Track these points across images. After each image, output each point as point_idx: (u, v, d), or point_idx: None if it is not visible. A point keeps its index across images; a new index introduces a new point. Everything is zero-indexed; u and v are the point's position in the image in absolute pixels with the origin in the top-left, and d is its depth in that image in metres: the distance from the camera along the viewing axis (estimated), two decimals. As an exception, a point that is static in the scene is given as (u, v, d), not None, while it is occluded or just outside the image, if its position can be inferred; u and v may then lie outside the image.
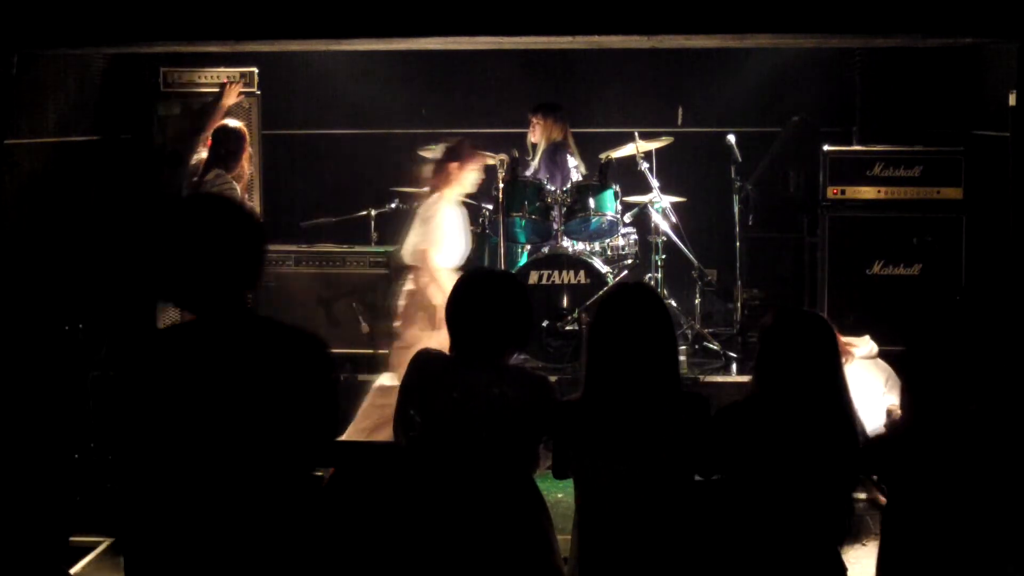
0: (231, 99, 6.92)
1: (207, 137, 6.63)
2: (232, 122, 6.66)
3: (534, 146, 7.61)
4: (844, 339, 5.14)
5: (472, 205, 7.64)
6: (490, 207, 7.17)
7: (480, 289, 3.27)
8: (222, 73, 7.24)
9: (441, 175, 5.99)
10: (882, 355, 5.46)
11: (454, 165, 5.94)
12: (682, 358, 6.91)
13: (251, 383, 2.67)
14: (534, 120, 7.55)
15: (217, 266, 2.70)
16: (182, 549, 2.68)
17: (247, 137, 6.59)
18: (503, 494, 3.07)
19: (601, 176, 7.07)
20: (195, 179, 6.52)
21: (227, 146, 6.48)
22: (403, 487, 3.02)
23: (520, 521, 3.09)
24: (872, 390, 5.14)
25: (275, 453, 2.69)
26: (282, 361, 2.70)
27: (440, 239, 5.82)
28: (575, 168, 7.46)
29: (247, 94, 7.26)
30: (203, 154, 6.64)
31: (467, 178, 5.99)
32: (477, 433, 3.08)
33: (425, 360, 3.31)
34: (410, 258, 5.93)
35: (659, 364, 3.15)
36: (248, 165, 6.62)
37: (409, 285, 5.93)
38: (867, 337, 5.47)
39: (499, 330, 3.21)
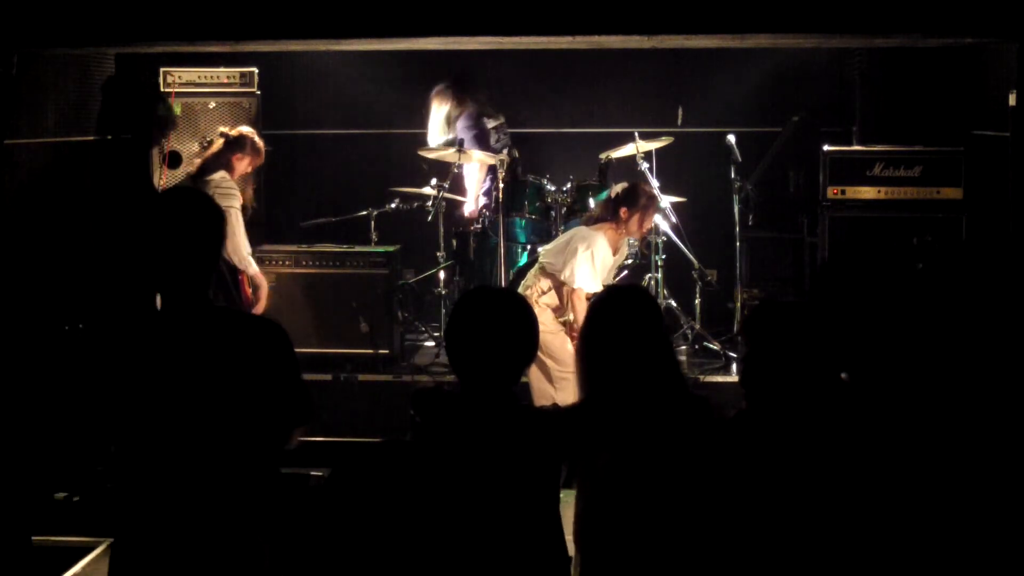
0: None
1: (166, 143, 6.71)
2: (247, 129, 6.65)
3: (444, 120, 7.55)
4: None
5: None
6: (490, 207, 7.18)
7: (484, 313, 2.94)
8: (222, 73, 7.25)
9: (608, 212, 5.91)
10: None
11: (624, 210, 5.84)
12: (682, 358, 6.93)
13: (212, 367, 2.75)
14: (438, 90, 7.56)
15: (175, 254, 2.79)
16: (159, 538, 2.74)
17: (261, 148, 6.58)
18: (520, 539, 2.93)
19: (601, 176, 7.07)
20: (194, 177, 6.52)
21: (238, 150, 6.46)
22: (404, 495, 2.90)
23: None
24: None
25: (241, 436, 2.77)
26: (240, 344, 2.79)
27: (584, 275, 5.73)
28: (496, 128, 7.55)
29: (247, 94, 7.27)
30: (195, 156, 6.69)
31: (633, 226, 5.89)
32: (487, 486, 2.84)
33: (426, 402, 2.97)
34: (548, 268, 5.90)
35: (655, 367, 3.13)
36: (248, 167, 6.59)
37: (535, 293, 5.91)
38: None
39: (507, 357, 2.91)
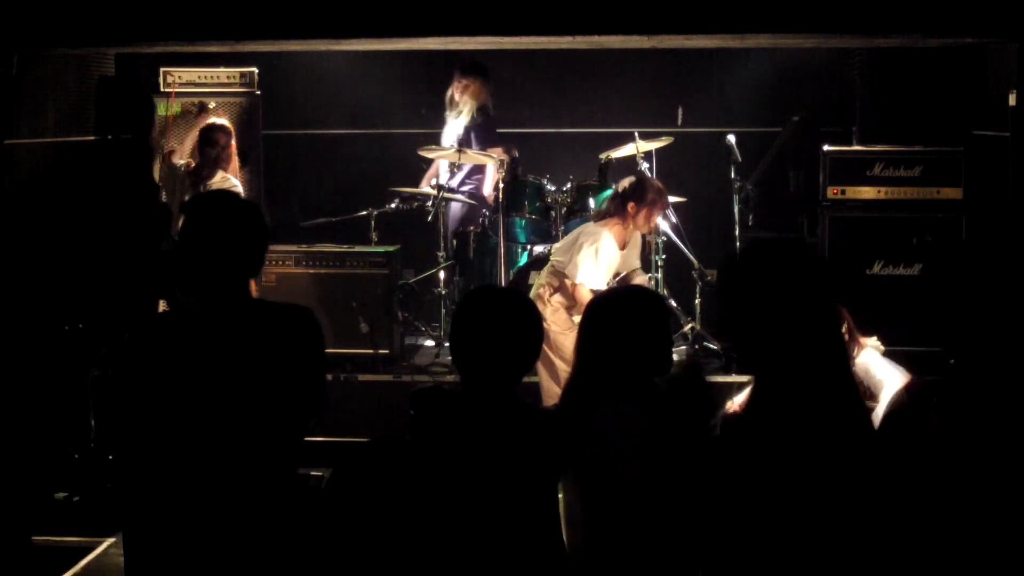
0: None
1: (168, 145, 6.75)
2: (217, 119, 6.68)
3: (455, 105, 7.63)
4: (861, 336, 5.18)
5: (472, 205, 7.65)
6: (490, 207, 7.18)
7: (487, 312, 2.90)
8: (222, 73, 7.25)
9: (616, 207, 5.88)
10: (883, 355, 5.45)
11: (632, 205, 5.80)
12: (681, 358, 6.92)
13: (251, 359, 2.88)
14: (465, 81, 7.57)
15: (226, 254, 2.93)
16: (185, 527, 2.83)
17: (226, 125, 6.64)
18: (516, 545, 2.89)
19: (601, 176, 7.07)
20: (194, 182, 6.52)
21: (221, 143, 6.49)
22: (403, 495, 2.88)
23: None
24: (893, 382, 5.08)
25: (273, 425, 2.90)
26: (277, 333, 2.94)
27: (587, 271, 5.74)
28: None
29: (247, 94, 7.28)
30: (180, 163, 6.70)
31: (640, 221, 5.85)
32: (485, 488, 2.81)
33: (425, 401, 2.91)
34: (563, 269, 5.90)
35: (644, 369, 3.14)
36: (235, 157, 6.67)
37: (545, 295, 5.93)
38: (875, 337, 5.48)
39: (510, 357, 2.88)
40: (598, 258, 5.74)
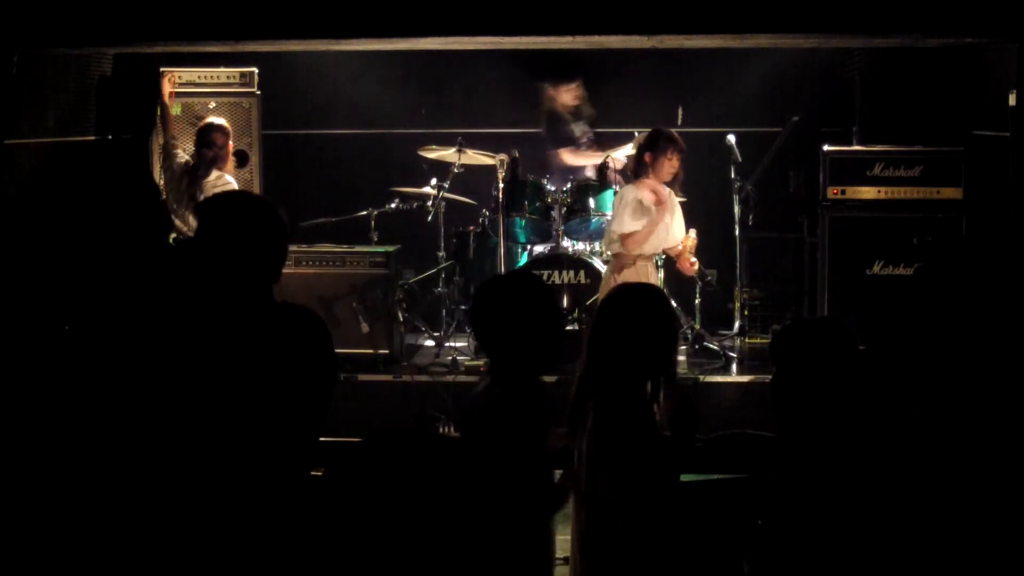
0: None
1: (173, 140, 6.77)
2: (215, 119, 6.69)
3: (575, 108, 7.83)
4: None
5: (472, 205, 7.66)
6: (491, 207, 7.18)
7: (514, 297, 3.01)
8: (222, 73, 7.25)
9: (637, 164, 6.13)
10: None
11: (648, 155, 6.00)
12: (682, 358, 6.93)
13: (275, 363, 2.86)
14: (577, 84, 7.81)
15: (251, 260, 2.94)
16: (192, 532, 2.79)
17: (222, 124, 6.65)
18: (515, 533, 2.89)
19: (601, 176, 7.07)
20: (190, 181, 6.51)
21: (218, 143, 6.49)
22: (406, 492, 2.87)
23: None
24: None
25: (292, 429, 2.86)
26: (298, 335, 2.96)
27: (618, 222, 5.97)
28: None
29: (247, 94, 7.27)
30: (181, 156, 6.69)
31: (659, 168, 6.01)
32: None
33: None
34: (610, 248, 6.12)
35: (658, 366, 3.13)
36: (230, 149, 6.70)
37: (610, 279, 6.06)
38: None
39: (538, 345, 2.97)
40: (620, 206, 5.98)
